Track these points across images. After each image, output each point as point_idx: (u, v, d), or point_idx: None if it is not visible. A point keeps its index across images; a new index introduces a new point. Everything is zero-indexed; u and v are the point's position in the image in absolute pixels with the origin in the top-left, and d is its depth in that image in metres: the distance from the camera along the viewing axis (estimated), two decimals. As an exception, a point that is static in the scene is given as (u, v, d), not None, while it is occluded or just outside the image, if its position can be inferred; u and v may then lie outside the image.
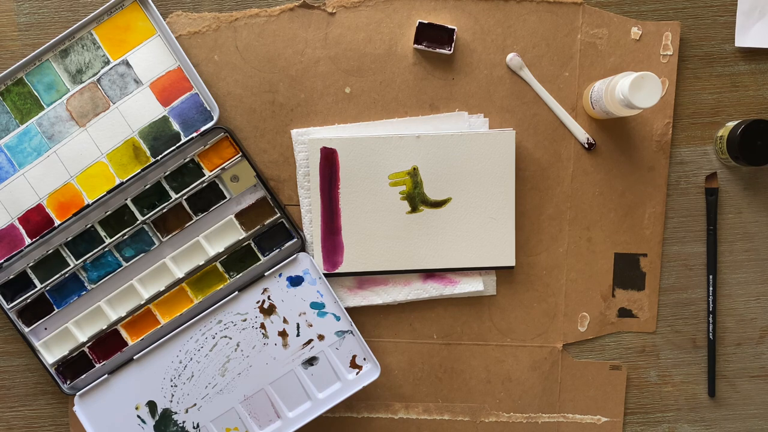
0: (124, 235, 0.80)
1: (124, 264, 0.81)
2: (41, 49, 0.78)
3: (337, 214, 0.80)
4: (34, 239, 0.79)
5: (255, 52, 0.80)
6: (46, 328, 0.81)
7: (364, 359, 0.81)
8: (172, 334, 0.80)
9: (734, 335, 0.83)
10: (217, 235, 0.80)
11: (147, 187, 0.79)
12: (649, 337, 0.83)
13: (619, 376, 0.83)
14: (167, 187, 0.79)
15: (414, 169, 0.79)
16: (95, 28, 0.79)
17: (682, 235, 0.83)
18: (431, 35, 0.79)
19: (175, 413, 0.81)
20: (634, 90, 0.69)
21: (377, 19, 0.80)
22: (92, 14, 0.78)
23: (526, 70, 0.80)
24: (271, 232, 0.81)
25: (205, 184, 0.80)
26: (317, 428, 0.83)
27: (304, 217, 0.81)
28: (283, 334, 0.81)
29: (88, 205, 0.79)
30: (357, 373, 0.81)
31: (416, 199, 0.80)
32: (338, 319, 0.80)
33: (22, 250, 0.79)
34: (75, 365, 0.81)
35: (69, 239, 0.80)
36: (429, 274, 0.82)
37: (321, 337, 0.81)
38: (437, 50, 0.79)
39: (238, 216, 0.80)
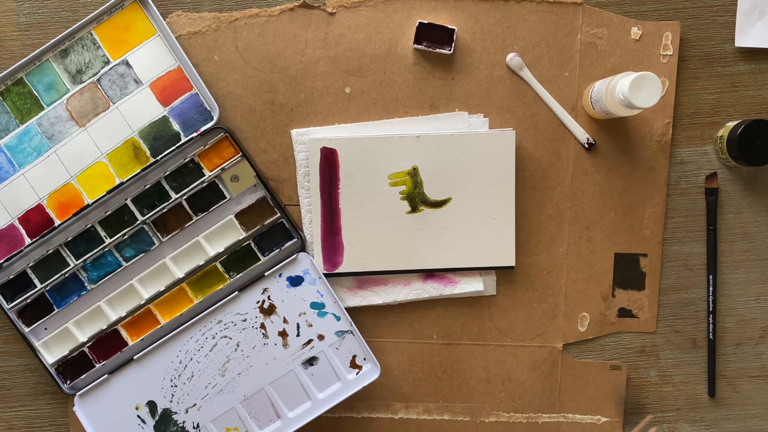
0: (124, 235, 0.80)
1: (124, 264, 0.81)
2: (41, 49, 0.78)
3: (337, 214, 0.80)
4: (34, 239, 0.79)
5: (255, 52, 0.80)
6: (46, 328, 0.81)
7: (364, 359, 0.81)
8: (172, 334, 0.80)
9: (734, 335, 0.83)
10: (217, 235, 0.80)
11: (147, 187, 0.79)
12: (649, 337, 0.83)
13: (619, 376, 0.83)
14: (167, 187, 0.79)
15: (414, 169, 0.79)
16: (95, 28, 0.79)
17: (682, 235, 0.83)
18: (431, 35, 0.79)
19: (175, 413, 0.81)
20: (634, 90, 0.69)
21: (377, 19, 0.80)
22: (92, 14, 0.78)
23: (526, 70, 0.80)
24: (271, 232, 0.81)
25: (205, 184, 0.80)
26: (317, 428, 0.83)
27: (304, 217, 0.81)
28: (283, 334, 0.81)
29: (88, 205, 0.79)
30: (357, 373, 0.81)
31: (416, 199, 0.80)
32: (338, 319, 0.80)
33: (22, 250, 0.79)
34: (75, 365, 0.81)
35: (69, 239, 0.80)
36: (429, 274, 0.82)
37: (321, 337, 0.81)
38: (437, 50, 0.79)
39: (238, 216, 0.80)
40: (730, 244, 0.83)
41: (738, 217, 0.82)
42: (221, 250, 0.80)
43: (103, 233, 0.80)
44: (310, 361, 0.81)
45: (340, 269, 0.81)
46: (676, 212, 0.82)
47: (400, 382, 0.83)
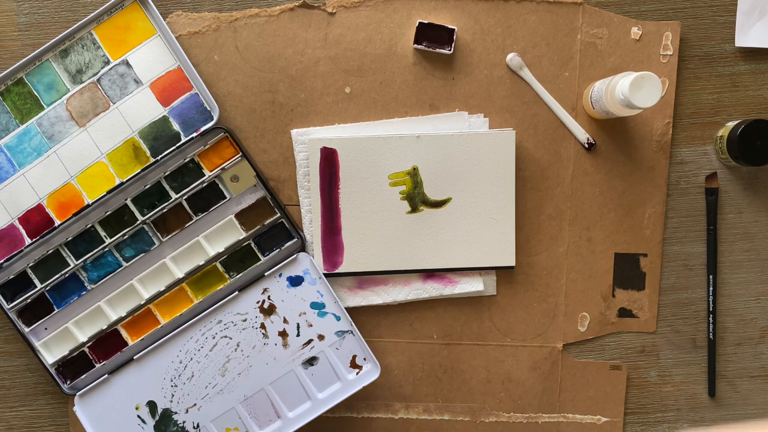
0: (124, 235, 0.80)
1: (124, 264, 0.81)
2: (41, 49, 0.78)
3: (337, 214, 0.80)
4: (34, 239, 0.79)
5: (255, 52, 0.80)
6: (46, 328, 0.81)
7: (364, 359, 0.81)
8: (172, 334, 0.80)
9: (734, 335, 0.83)
10: (217, 235, 0.80)
11: (147, 187, 0.79)
12: (649, 337, 0.83)
13: (619, 376, 0.83)
14: (167, 187, 0.79)
15: (414, 169, 0.79)
16: (95, 28, 0.79)
17: (682, 235, 0.83)
18: (431, 35, 0.79)
19: (175, 413, 0.81)
20: (634, 90, 0.69)
21: (377, 19, 0.80)
22: (92, 14, 0.78)
23: (526, 70, 0.80)
24: (271, 232, 0.81)
25: (205, 184, 0.80)
26: (317, 428, 0.83)
27: (304, 217, 0.81)
28: (283, 334, 0.81)
29: (88, 205, 0.79)
30: (357, 373, 0.81)
31: (416, 199, 0.80)
32: (338, 319, 0.80)
33: (22, 250, 0.79)
34: (75, 365, 0.81)
35: (69, 239, 0.80)
36: (429, 274, 0.82)
37: (321, 337, 0.81)
38: (437, 50, 0.79)
39: (238, 216, 0.80)
40: (730, 244, 0.83)
41: (738, 217, 0.82)
42: (221, 250, 0.80)
43: (103, 233, 0.80)
44: (310, 361, 0.81)
45: (340, 269, 0.81)
46: (676, 212, 0.82)
47: (400, 382, 0.83)
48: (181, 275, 0.80)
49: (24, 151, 0.79)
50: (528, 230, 0.82)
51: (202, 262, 0.80)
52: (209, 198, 0.80)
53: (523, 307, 0.83)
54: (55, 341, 0.81)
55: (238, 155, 0.79)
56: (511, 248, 0.81)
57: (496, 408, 0.84)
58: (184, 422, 0.81)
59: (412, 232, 0.80)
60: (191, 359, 0.81)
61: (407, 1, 0.80)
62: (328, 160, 0.79)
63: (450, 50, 0.79)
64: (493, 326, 0.83)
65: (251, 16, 0.80)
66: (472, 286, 0.82)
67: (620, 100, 0.71)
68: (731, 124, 0.79)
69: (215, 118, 0.78)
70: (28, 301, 0.80)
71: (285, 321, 0.81)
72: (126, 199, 0.79)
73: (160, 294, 0.81)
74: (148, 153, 0.79)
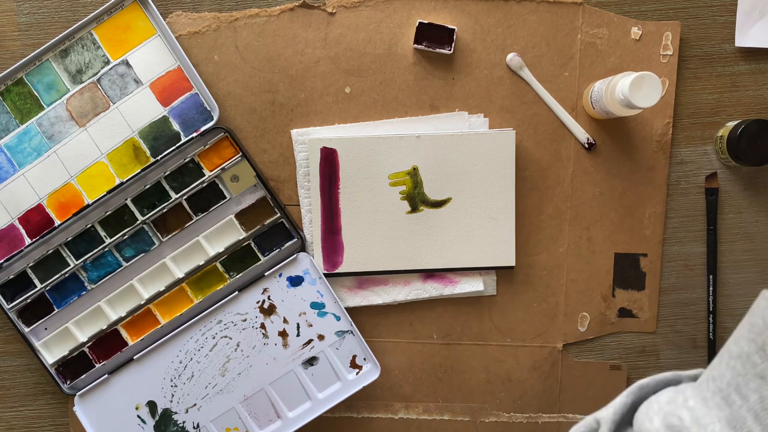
0: (124, 235, 0.80)
1: (124, 264, 0.81)
2: (41, 49, 0.78)
3: (337, 214, 0.80)
4: (34, 239, 0.79)
5: (255, 52, 0.80)
6: (46, 328, 0.81)
7: (364, 359, 0.81)
8: (172, 334, 0.80)
9: (734, 335, 0.83)
10: (217, 235, 0.80)
11: (147, 187, 0.79)
12: (649, 337, 0.83)
13: (619, 376, 0.83)
14: (167, 187, 0.79)
15: (414, 169, 0.79)
16: (95, 28, 0.79)
17: (682, 235, 0.83)
18: (431, 35, 0.79)
19: (175, 413, 0.81)
20: (634, 90, 0.69)
21: (377, 19, 0.80)
22: (92, 14, 0.78)
23: (526, 70, 0.80)
24: (271, 232, 0.81)
25: (205, 184, 0.80)
26: (317, 428, 0.83)
27: (304, 217, 0.81)
28: (283, 334, 0.81)
29: (88, 205, 0.79)
30: (357, 373, 0.81)
31: (416, 199, 0.80)
32: (338, 319, 0.80)
33: (22, 250, 0.79)
34: (75, 365, 0.81)
35: (69, 239, 0.80)
36: (429, 274, 0.82)
37: (321, 337, 0.81)
38: (437, 50, 0.79)
39: (238, 216, 0.80)
40: (730, 244, 0.83)
41: (738, 217, 0.82)
42: (221, 250, 0.80)
43: (103, 233, 0.80)
44: (310, 361, 0.81)
45: (340, 269, 0.81)
46: (676, 212, 0.82)
47: (400, 382, 0.83)
48: (181, 275, 0.80)
49: (24, 151, 0.79)
50: (528, 230, 0.82)
51: (202, 262, 0.80)
52: (209, 198, 0.80)
53: (523, 307, 0.83)
54: (55, 341, 0.81)
55: (238, 155, 0.79)
56: (511, 248, 0.81)
57: (496, 408, 0.84)
58: (184, 422, 0.81)
59: (412, 232, 0.80)
60: (191, 359, 0.81)
61: (407, 1, 0.80)
62: (328, 160, 0.79)
63: (450, 50, 0.79)
64: (493, 326, 0.83)
65: (251, 16, 0.80)
66: (472, 286, 0.82)
67: (620, 100, 0.71)
68: (731, 124, 0.79)
69: (215, 118, 0.78)
70: (28, 301, 0.80)
71: (285, 321, 0.81)
72: (126, 199, 0.79)
73: (160, 294, 0.81)
74: (148, 153, 0.79)
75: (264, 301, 0.81)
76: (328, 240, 0.80)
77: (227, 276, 0.81)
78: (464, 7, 0.80)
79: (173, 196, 0.79)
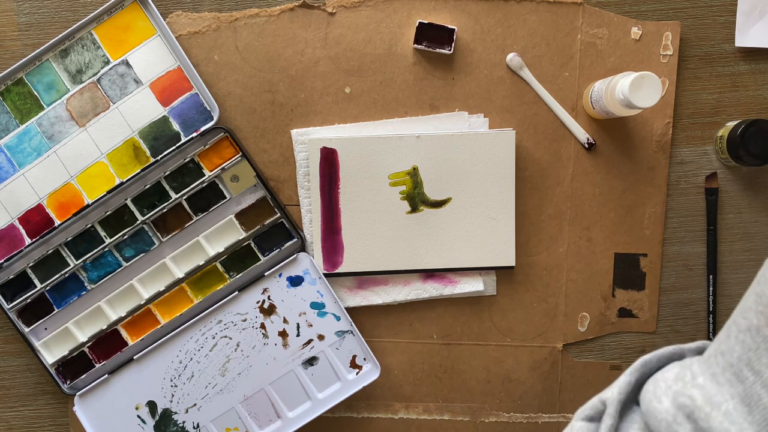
0: (124, 235, 0.80)
1: (124, 264, 0.81)
2: (41, 49, 0.78)
3: (337, 214, 0.80)
4: (34, 239, 0.79)
5: (255, 52, 0.80)
6: (46, 328, 0.81)
7: (364, 359, 0.81)
8: (172, 334, 0.80)
9: (734, 335, 0.83)
10: (217, 235, 0.80)
11: (147, 187, 0.79)
12: (649, 337, 0.83)
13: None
14: (167, 187, 0.79)
15: (414, 169, 0.79)
16: (95, 28, 0.79)
17: (682, 235, 0.83)
18: (431, 35, 0.79)
19: (175, 413, 0.81)
20: (634, 90, 0.69)
21: (377, 19, 0.80)
22: (92, 14, 0.78)
23: (526, 70, 0.80)
24: (271, 232, 0.81)
25: (205, 184, 0.80)
26: (317, 428, 0.83)
27: (304, 217, 0.81)
28: (283, 334, 0.81)
29: (88, 205, 0.79)
30: (357, 373, 0.81)
31: (416, 199, 0.80)
32: (338, 319, 0.80)
33: (22, 250, 0.79)
34: (75, 365, 0.81)
35: (69, 239, 0.80)
36: (429, 274, 0.82)
37: (321, 337, 0.81)
38: (437, 50, 0.79)
39: (238, 216, 0.80)
40: (730, 244, 0.83)
41: (738, 217, 0.82)
42: (221, 250, 0.80)
43: (103, 233, 0.80)
44: (310, 361, 0.81)
45: (340, 269, 0.81)
46: (676, 212, 0.82)
47: (400, 382, 0.83)
48: (181, 275, 0.80)
49: (24, 151, 0.79)
50: (528, 230, 0.82)
51: (202, 262, 0.80)
52: (209, 198, 0.80)
53: (523, 307, 0.83)
54: (55, 341, 0.81)
55: (238, 155, 0.79)
56: (511, 248, 0.81)
57: (496, 408, 0.84)
58: (184, 422, 0.81)
59: (412, 232, 0.80)
60: (191, 359, 0.81)
61: (407, 1, 0.80)
62: (328, 160, 0.79)
63: (450, 50, 0.79)
64: (493, 326, 0.83)
65: (251, 16, 0.80)
66: (472, 286, 0.82)
67: (620, 100, 0.71)
68: (731, 124, 0.79)
69: (215, 118, 0.78)
70: (28, 301, 0.80)
71: (285, 321, 0.81)
72: (126, 199, 0.79)
73: (160, 294, 0.81)
74: (148, 153, 0.79)
75: (264, 301, 0.81)
76: (328, 240, 0.80)
77: (227, 276, 0.81)
78: (464, 7, 0.80)
79: (173, 196, 0.79)
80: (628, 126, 0.81)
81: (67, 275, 0.80)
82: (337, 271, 0.81)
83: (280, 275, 0.80)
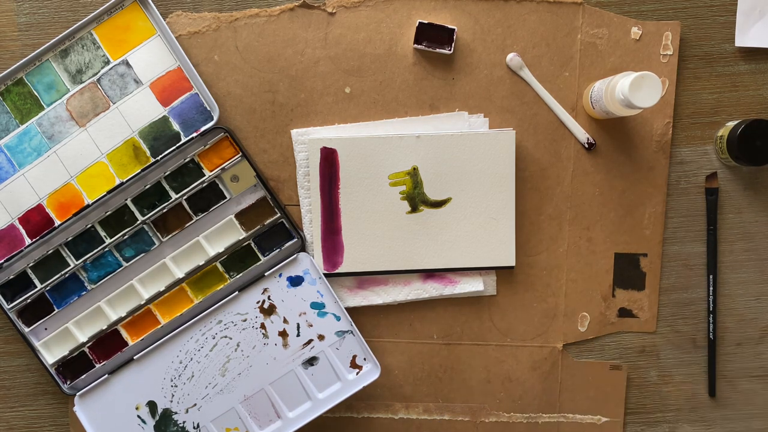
0: (124, 235, 0.80)
1: (124, 264, 0.81)
2: (41, 49, 0.78)
3: (337, 214, 0.80)
4: (34, 239, 0.79)
5: (255, 52, 0.80)
6: (46, 328, 0.81)
7: (364, 359, 0.81)
8: (172, 334, 0.80)
9: (734, 335, 0.83)
10: (217, 235, 0.80)
11: (147, 187, 0.79)
12: (649, 337, 0.83)
13: (619, 376, 0.83)
14: (167, 187, 0.79)
15: (414, 169, 0.79)
16: (95, 28, 0.79)
17: (682, 235, 0.83)
18: (431, 35, 0.79)
19: (176, 413, 0.81)
20: (634, 90, 0.69)
21: (377, 19, 0.80)
22: (92, 14, 0.78)
23: (526, 70, 0.80)
24: (271, 232, 0.81)
25: (205, 184, 0.80)
26: (317, 428, 0.83)
27: (304, 217, 0.81)
28: (283, 334, 0.81)
29: (88, 205, 0.79)
30: (357, 373, 0.81)
31: (416, 199, 0.80)
32: (338, 319, 0.80)
33: (22, 250, 0.79)
34: (75, 365, 0.81)
35: (69, 239, 0.80)
36: (429, 274, 0.82)
37: (321, 337, 0.81)
38: (437, 50, 0.79)
39: (238, 216, 0.80)
40: (730, 244, 0.83)
41: (738, 217, 0.82)
42: (221, 250, 0.80)
43: (103, 233, 0.80)
44: (310, 361, 0.81)
45: (340, 269, 0.81)
46: (676, 212, 0.82)
47: (400, 382, 0.83)
48: (181, 275, 0.80)
49: (24, 151, 0.79)
50: (528, 230, 0.82)
51: (202, 262, 0.80)
52: (209, 198, 0.80)
53: (523, 307, 0.83)
54: (55, 341, 0.81)
55: (238, 155, 0.79)
56: (511, 248, 0.81)
57: (496, 408, 0.84)
58: (184, 422, 0.81)
59: (412, 232, 0.80)
60: (191, 359, 0.81)
61: (407, 1, 0.80)
62: (328, 160, 0.79)
63: (450, 50, 0.79)
64: (493, 326, 0.83)
65: (251, 16, 0.80)
66: (472, 286, 0.82)
67: (620, 100, 0.71)
68: (731, 124, 0.79)
69: (215, 118, 0.78)
70: (28, 301, 0.80)
71: (285, 321, 0.81)
72: (126, 199, 0.79)
73: (160, 294, 0.81)
74: (148, 153, 0.79)
75: (264, 301, 0.81)
76: (328, 240, 0.80)
77: (227, 276, 0.81)
78: (464, 7, 0.80)
79: (173, 196, 0.79)
80: (628, 126, 0.81)
81: (67, 275, 0.80)
82: (337, 271, 0.81)
83: (280, 275, 0.80)
